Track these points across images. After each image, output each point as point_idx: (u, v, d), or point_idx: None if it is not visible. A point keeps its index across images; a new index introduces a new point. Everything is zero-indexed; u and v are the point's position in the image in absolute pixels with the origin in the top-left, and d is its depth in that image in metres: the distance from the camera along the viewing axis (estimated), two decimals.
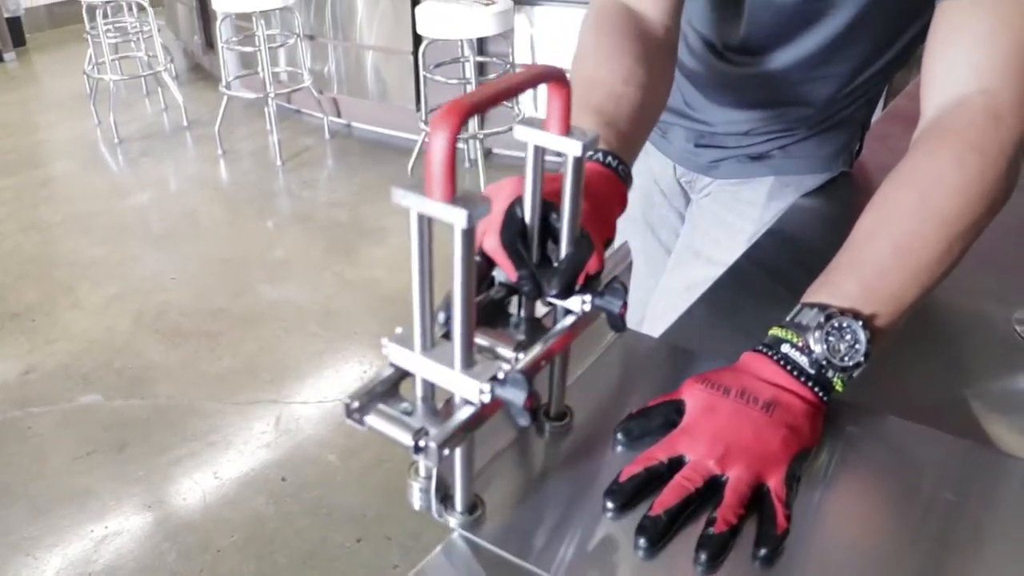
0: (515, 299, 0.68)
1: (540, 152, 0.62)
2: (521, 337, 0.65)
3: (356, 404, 0.58)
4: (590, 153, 0.75)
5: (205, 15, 5.37)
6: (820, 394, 0.72)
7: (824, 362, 0.72)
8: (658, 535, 0.63)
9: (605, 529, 0.65)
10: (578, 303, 0.66)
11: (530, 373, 0.60)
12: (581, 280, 0.66)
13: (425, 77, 3.85)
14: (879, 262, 0.77)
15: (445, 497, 0.66)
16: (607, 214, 0.75)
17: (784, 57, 1.12)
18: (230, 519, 2.27)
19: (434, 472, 0.64)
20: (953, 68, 0.84)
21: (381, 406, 0.59)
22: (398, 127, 4.56)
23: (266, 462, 2.47)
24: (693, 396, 0.73)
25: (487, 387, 0.55)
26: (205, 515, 2.29)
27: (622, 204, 0.79)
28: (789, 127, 1.25)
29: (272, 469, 2.45)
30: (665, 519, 0.63)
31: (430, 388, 0.59)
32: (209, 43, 5.49)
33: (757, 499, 0.66)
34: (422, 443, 0.56)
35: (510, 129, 3.91)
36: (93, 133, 4.89)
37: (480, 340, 0.62)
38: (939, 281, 0.78)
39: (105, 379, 2.85)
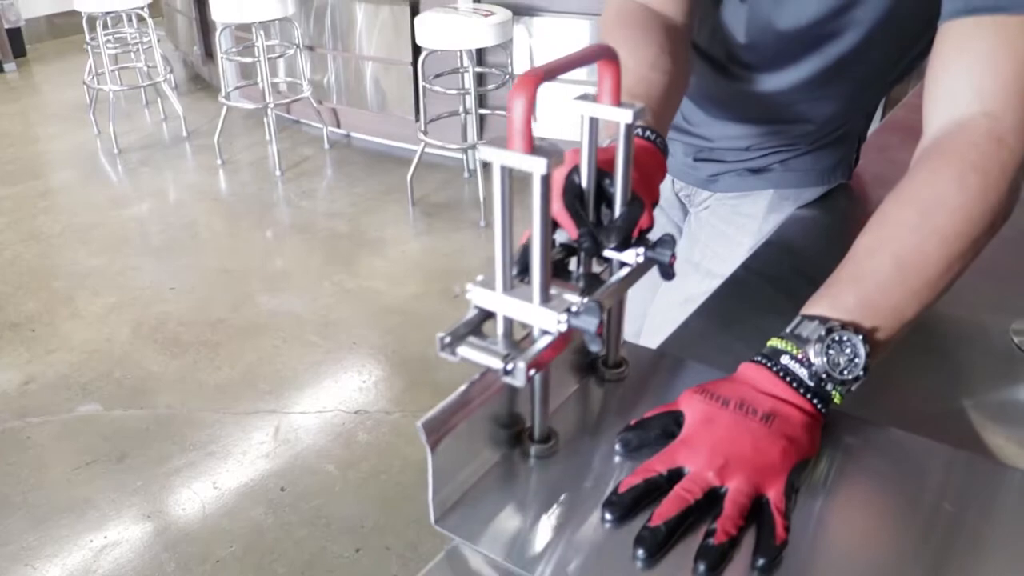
0: (573, 260, 0.75)
1: (595, 123, 0.70)
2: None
3: (448, 339, 0.64)
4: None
5: (205, 26, 5.38)
6: (819, 406, 0.72)
7: (824, 375, 0.72)
8: (657, 546, 0.63)
9: (603, 540, 0.65)
10: (632, 255, 0.73)
11: (603, 304, 0.66)
12: (635, 235, 0.73)
13: (424, 88, 3.86)
14: (880, 277, 0.77)
15: (520, 432, 0.74)
16: (652, 180, 0.82)
17: (785, 78, 1.12)
18: (229, 529, 2.27)
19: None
20: (956, 89, 0.85)
21: (471, 338, 0.65)
22: (397, 137, 4.57)
23: (265, 472, 2.47)
24: (692, 407, 0.73)
25: (563, 316, 0.63)
26: (204, 525, 2.29)
27: (663, 172, 0.86)
28: (789, 143, 1.25)
29: (271, 479, 2.45)
30: (664, 530, 0.63)
31: (510, 326, 0.66)
32: (209, 54, 5.50)
33: (756, 510, 0.66)
34: (510, 366, 0.62)
35: None
36: (93, 143, 4.89)
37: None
38: (938, 298, 0.79)
39: (104, 389, 2.85)
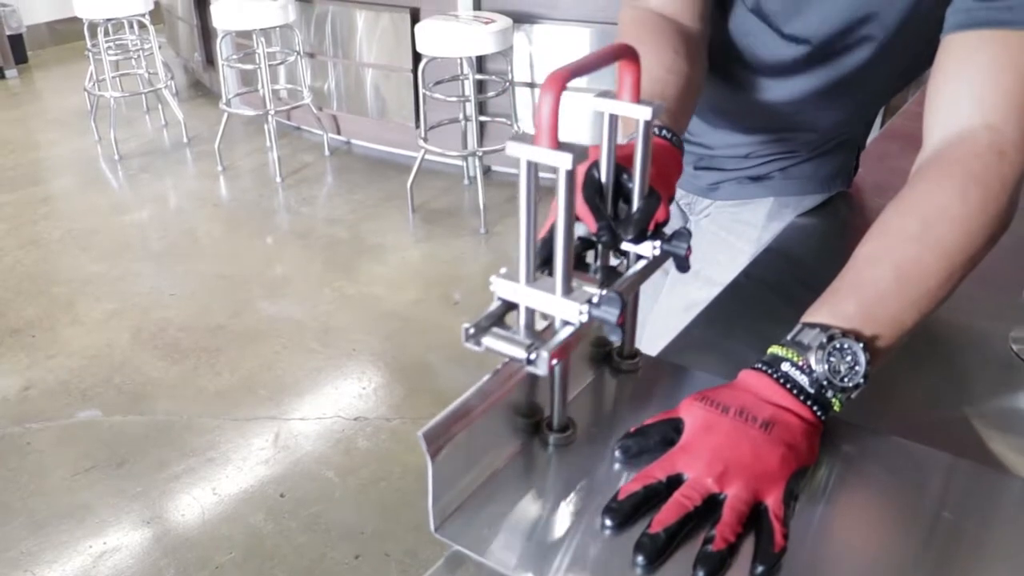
0: (591, 253, 0.77)
1: (614, 120, 0.72)
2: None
3: (472, 330, 0.66)
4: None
5: (206, 33, 5.39)
6: (818, 413, 0.73)
7: (824, 382, 0.72)
8: (656, 552, 0.63)
9: (603, 546, 0.66)
10: (649, 248, 0.75)
11: (625, 294, 0.68)
12: (651, 228, 0.75)
13: (424, 95, 3.87)
14: (880, 286, 0.77)
15: (539, 422, 0.76)
16: (668, 176, 0.82)
17: (791, 90, 1.13)
18: (229, 535, 2.27)
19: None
20: (958, 101, 0.85)
21: (495, 329, 0.67)
22: (397, 144, 4.57)
23: (264, 478, 2.47)
24: (692, 414, 0.73)
25: (585, 307, 0.65)
26: (203, 531, 2.29)
27: (679, 169, 0.86)
28: (790, 151, 1.26)
29: (270, 485, 2.44)
30: (663, 536, 0.64)
31: (532, 317, 0.67)
32: (209, 60, 5.51)
33: (755, 517, 0.66)
34: (533, 355, 0.64)
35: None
36: (93, 150, 4.90)
37: None
38: (937, 308, 0.80)
39: (104, 395, 2.85)
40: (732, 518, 0.65)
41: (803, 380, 0.73)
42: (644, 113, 0.70)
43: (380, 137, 4.67)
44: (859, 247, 0.81)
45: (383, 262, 3.70)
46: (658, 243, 0.75)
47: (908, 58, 1.06)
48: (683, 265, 0.77)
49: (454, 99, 3.96)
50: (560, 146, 0.60)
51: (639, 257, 0.76)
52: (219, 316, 3.29)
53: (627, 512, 0.67)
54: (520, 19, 3.94)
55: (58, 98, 5.88)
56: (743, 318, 1.09)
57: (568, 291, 0.66)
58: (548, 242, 0.67)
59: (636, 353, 0.86)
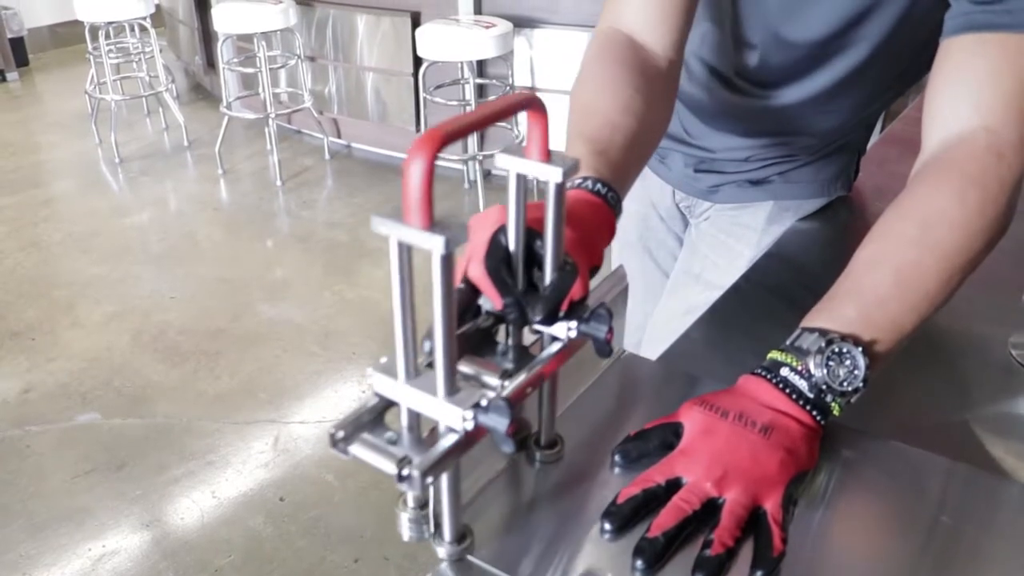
0: (503, 328, 0.68)
1: (522, 179, 0.63)
2: (509, 365, 0.65)
3: (341, 434, 0.58)
4: (579, 180, 0.79)
5: (207, 36, 5.40)
6: (818, 418, 0.73)
7: (824, 387, 0.72)
8: (655, 557, 0.63)
9: (602, 550, 0.66)
10: (563, 329, 0.66)
11: (516, 400, 0.60)
12: (565, 306, 0.66)
13: (425, 99, 3.87)
14: (880, 291, 0.77)
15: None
16: (593, 241, 0.74)
17: (792, 93, 1.13)
18: (228, 538, 2.27)
19: (430, 498, 0.65)
20: (956, 104, 0.85)
21: (366, 435, 0.58)
22: (398, 148, 4.58)
23: (264, 482, 2.47)
24: (691, 419, 0.73)
25: (469, 414, 0.56)
26: (203, 534, 2.29)
27: (610, 232, 0.79)
28: (790, 154, 1.26)
29: (270, 489, 2.44)
30: (662, 541, 0.63)
31: (415, 417, 0.59)
32: (210, 64, 5.52)
33: (753, 521, 0.66)
34: (405, 471, 0.56)
35: None
36: (94, 152, 4.90)
37: (466, 368, 0.63)
38: (936, 311, 0.79)
39: (104, 398, 2.85)
40: (731, 522, 0.65)
41: (802, 385, 0.73)
42: (555, 175, 0.61)
43: (381, 141, 4.68)
44: (858, 251, 0.81)
45: (383, 266, 3.70)
46: (574, 324, 0.65)
47: (905, 61, 1.07)
48: (603, 350, 0.66)
49: (455, 103, 3.96)
50: (434, 224, 0.51)
51: (554, 338, 0.67)
52: (219, 319, 3.29)
53: (626, 516, 0.66)
54: (521, 23, 3.94)
55: (59, 101, 5.89)
56: (743, 322, 1.09)
57: (452, 391, 0.56)
58: (460, 304, 0.60)
59: (556, 443, 0.75)
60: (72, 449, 2.61)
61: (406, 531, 0.64)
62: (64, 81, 6.25)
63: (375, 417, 0.59)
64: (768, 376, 0.74)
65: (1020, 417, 0.93)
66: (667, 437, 0.73)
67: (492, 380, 0.63)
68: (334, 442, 0.58)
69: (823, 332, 0.74)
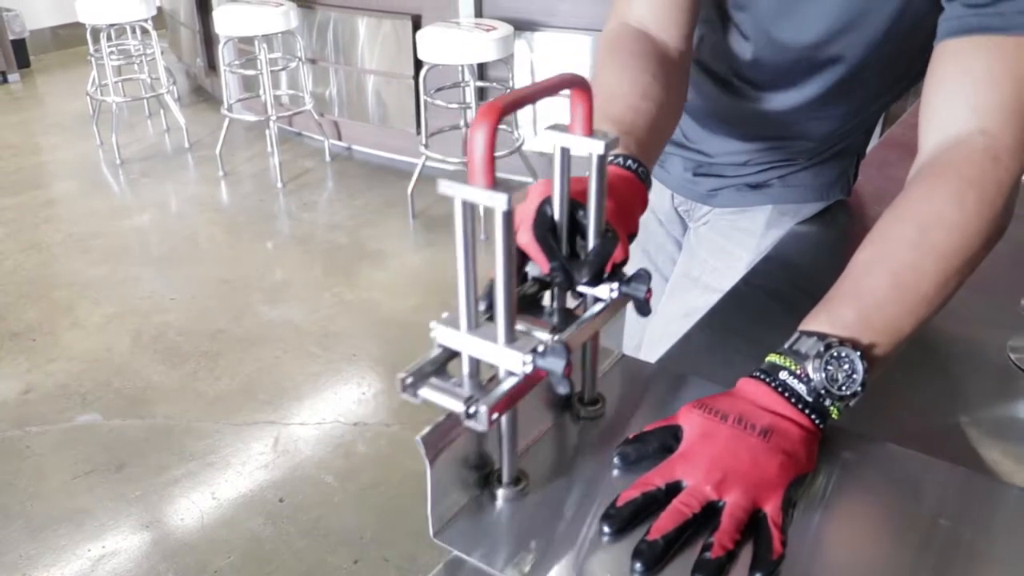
0: (547, 294, 0.73)
1: (566, 153, 0.69)
2: (556, 324, 0.71)
3: (409, 380, 0.62)
4: (612, 157, 0.84)
5: (208, 38, 5.41)
6: (816, 422, 0.73)
7: (822, 391, 0.72)
8: (654, 560, 0.63)
9: (601, 553, 0.66)
10: (606, 291, 0.71)
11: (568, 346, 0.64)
12: (608, 269, 0.71)
13: (426, 101, 3.87)
14: (878, 294, 0.78)
15: (490, 473, 0.71)
16: (630, 211, 0.80)
17: (787, 96, 1.13)
18: (227, 540, 2.27)
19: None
20: (952, 107, 0.86)
21: (433, 379, 0.63)
22: (398, 151, 4.58)
23: (264, 483, 2.47)
24: (690, 422, 0.73)
25: (529, 358, 0.61)
26: (202, 535, 2.29)
27: (643, 203, 0.84)
28: (788, 158, 1.26)
29: (270, 490, 2.44)
30: (662, 544, 0.64)
31: (475, 365, 0.64)
32: (211, 66, 5.52)
33: (753, 524, 0.67)
34: (472, 409, 0.60)
35: (509, 154, 3.93)
36: (95, 154, 4.91)
37: (518, 326, 0.65)
38: (934, 314, 0.80)
39: (104, 399, 2.85)
40: (730, 525, 0.65)
41: (801, 389, 0.73)
42: (597, 147, 0.67)
43: (381, 143, 4.68)
44: (856, 254, 0.82)
45: (383, 268, 3.71)
46: (616, 285, 0.71)
47: (901, 66, 1.07)
48: (643, 309, 0.73)
49: (455, 106, 3.96)
50: (496, 184, 0.56)
51: (596, 299, 0.72)
52: (219, 320, 3.29)
53: (625, 519, 0.67)
54: (521, 26, 3.95)
55: (60, 102, 5.89)
56: (742, 325, 1.09)
57: (512, 339, 0.62)
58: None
59: (599, 399, 0.81)
60: (72, 450, 2.62)
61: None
62: (65, 83, 6.26)
63: (438, 367, 0.64)
64: (767, 380, 0.74)
65: (1018, 420, 0.94)
66: (666, 440, 0.73)
67: (543, 335, 0.67)
68: (403, 387, 0.62)
69: (821, 336, 0.74)
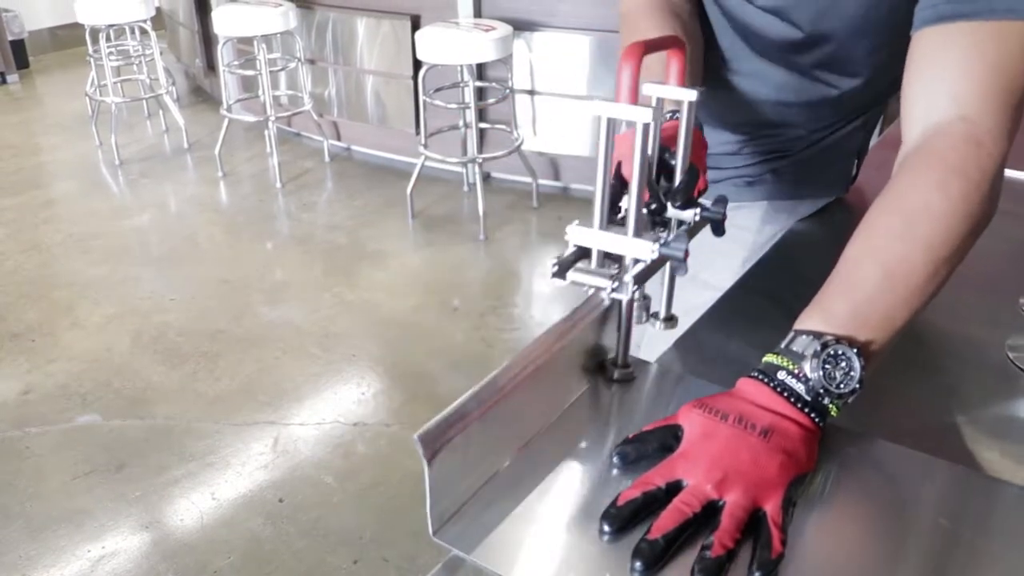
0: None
1: (661, 103, 0.81)
2: None
3: (556, 268, 0.75)
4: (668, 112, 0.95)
5: (207, 39, 5.41)
6: (816, 420, 0.73)
7: (821, 390, 0.73)
8: (654, 559, 0.63)
9: (601, 552, 0.66)
10: (691, 214, 0.84)
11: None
12: (695, 195, 0.84)
13: (425, 101, 3.88)
14: (869, 289, 0.78)
15: (602, 362, 0.86)
16: (699, 153, 0.91)
17: (767, 84, 1.14)
18: (227, 540, 2.27)
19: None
20: (931, 95, 0.87)
21: (579, 265, 0.77)
22: (397, 151, 4.58)
23: (263, 483, 2.47)
24: (691, 421, 0.73)
25: (655, 245, 0.74)
26: (202, 536, 2.29)
27: (705, 147, 0.96)
28: (779, 149, 1.26)
29: (269, 490, 2.45)
30: (662, 543, 0.64)
31: (602, 258, 0.77)
32: (210, 66, 5.52)
33: (753, 523, 0.67)
34: (616, 284, 0.75)
35: (508, 153, 3.94)
36: (95, 155, 4.91)
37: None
38: (927, 303, 0.80)
39: (104, 399, 2.85)
40: (731, 524, 0.65)
41: (800, 388, 0.73)
42: (690, 96, 0.81)
43: (380, 143, 4.68)
44: (846, 248, 0.82)
45: (383, 268, 3.71)
46: (699, 210, 0.84)
47: (881, 57, 1.08)
48: (719, 229, 0.86)
49: (454, 106, 3.97)
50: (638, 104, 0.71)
51: (680, 223, 0.85)
52: (219, 321, 3.30)
53: (626, 518, 0.67)
54: (520, 27, 3.95)
55: (59, 103, 5.90)
56: (742, 325, 1.09)
57: (639, 233, 0.74)
58: (613, 195, 0.76)
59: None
60: (71, 450, 2.62)
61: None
62: (65, 83, 6.26)
63: (576, 259, 0.77)
64: (766, 380, 0.74)
65: (1016, 419, 0.94)
66: (666, 439, 0.73)
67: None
68: (554, 272, 0.75)
69: (817, 335, 0.74)
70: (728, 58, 1.16)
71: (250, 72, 4.60)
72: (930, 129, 0.85)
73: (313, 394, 2.88)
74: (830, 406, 0.73)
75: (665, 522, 0.65)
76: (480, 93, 4.07)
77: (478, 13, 4.03)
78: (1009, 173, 1.30)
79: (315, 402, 2.84)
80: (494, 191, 4.25)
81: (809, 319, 0.77)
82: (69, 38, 6.74)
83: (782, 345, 0.76)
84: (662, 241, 0.74)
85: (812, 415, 0.73)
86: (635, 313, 0.80)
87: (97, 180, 4.67)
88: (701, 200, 0.86)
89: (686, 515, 0.66)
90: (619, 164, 0.80)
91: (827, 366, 0.73)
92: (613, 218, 0.79)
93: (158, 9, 5.11)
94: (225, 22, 4.23)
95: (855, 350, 0.73)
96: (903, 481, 0.75)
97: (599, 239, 0.76)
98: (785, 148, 1.26)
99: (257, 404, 2.82)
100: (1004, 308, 1.07)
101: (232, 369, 3.00)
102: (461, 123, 4.11)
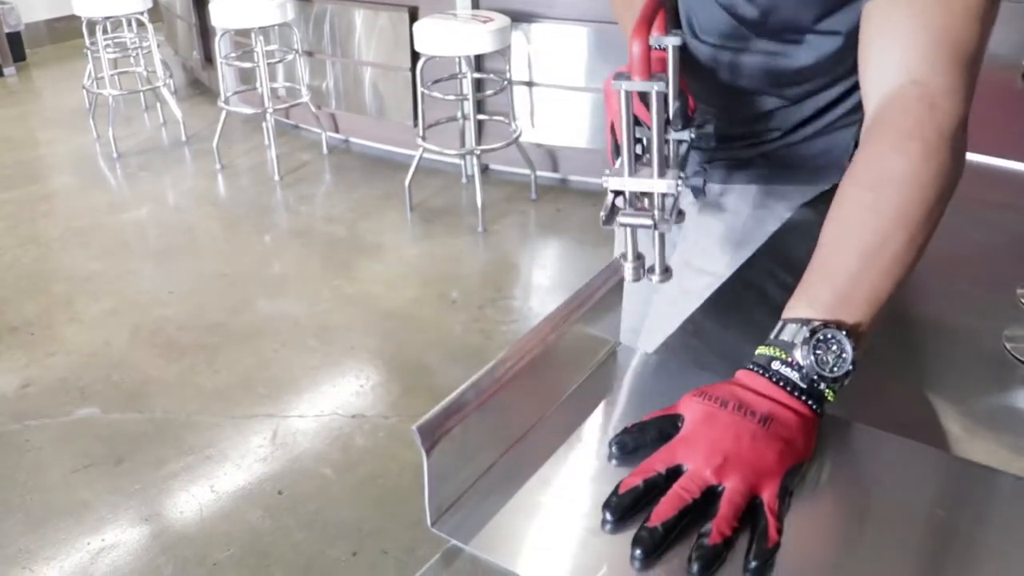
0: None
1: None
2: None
3: (603, 216, 0.89)
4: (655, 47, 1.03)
5: (204, 31, 5.39)
6: (814, 407, 0.73)
7: (815, 376, 0.73)
8: (654, 546, 0.64)
9: (600, 541, 0.66)
10: (686, 135, 0.96)
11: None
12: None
13: (423, 93, 3.87)
14: (849, 267, 0.79)
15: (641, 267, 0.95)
16: (685, 83, 1.02)
17: (742, 64, 1.15)
18: (226, 532, 2.28)
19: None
20: (884, 65, 0.88)
21: (626, 210, 0.90)
22: (396, 143, 4.57)
23: (262, 476, 2.48)
24: (691, 409, 0.74)
25: (678, 181, 0.88)
26: (201, 528, 2.29)
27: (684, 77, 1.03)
28: (766, 130, 1.25)
29: (268, 483, 2.45)
30: (661, 531, 0.64)
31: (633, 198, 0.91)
32: (208, 59, 5.51)
33: (750, 511, 0.67)
34: (658, 219, 0.88)
35: (507, 145, 3.93)
36: (92, 148, 4.90)
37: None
38: (911, 269, 0.80)
39: (103, 393, 2.85)
40: (729, 511, 0.66)
41: (794, 376, 0.73)
42: (675, 40, 0.95)
43: (378, 135, 4.68)
44: (822, 230, 0.83)
45: (381, 260, 3.71)
46: (692, 130, 0.97)
47: (839, 38, 1.08)
48: (709, 141, 1.00)
49: (452, 98, 3.96)
50: (651, 77, 0.83)
51: (679, 143, 0.97)
52: (217, 314, 3.30)
53: (627, 507, 0.67)
54: (518, 18, 3.94)
55: (57, 96, 5.88)
56: (740, 315, 1.10)
57: (663, 174, 0.88)
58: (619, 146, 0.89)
59: (667, 268, 0.97)
60: (71, 444, 2.62)
61: (630, 274, 0.93)
62: (61, 76, 6.24)
63: (616, 208, 0.90)
64: (762, 372, 0.75)
65: (1013, 410, 0.94)
66: (666, 428, 0.74)
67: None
68: (604, 222, 0.89)
69: (805, 321, 0.75)
70: (701, 33, 1.17)
71: (248, 64, 4.58)
72: (885, 98, 0.86)
73: (312, 387, 2.89)
74: (826, 391, 0.74)
75: (664, 509, 0.65)
76: (478, 85, 4.06)
77: (476, 4, 4.02)
78: (1005, 164, 1.30)
79: (314, 395, 2.84)
80: (492, 183, 4.24)
81: (795, 307, 0.78)
82: (66, 30, 6.71)
83: (772, 335, 0.76)
84: (682, 177, 0.89)
85: (810, 402, 0.73)
86: (631, 270, 0.92)
87: (95, 173, 4.66)
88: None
89: (685, 501, 0.66)
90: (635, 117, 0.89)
91: (818, 351, 0.73)
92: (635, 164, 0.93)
93: (155, 1, 5.09)
94: (222, 14, 4.21)
95: (844, 332, 0.74)
96: (899, 471, 0.75)
97: (630, 183, 0.89)
98: (771, 130, 1.26)
99: (256, 397, 2.82)
100: (1001, 299, 1.07)
101: (231, 362, 3.00)
102: (459, 115, 4.10)
